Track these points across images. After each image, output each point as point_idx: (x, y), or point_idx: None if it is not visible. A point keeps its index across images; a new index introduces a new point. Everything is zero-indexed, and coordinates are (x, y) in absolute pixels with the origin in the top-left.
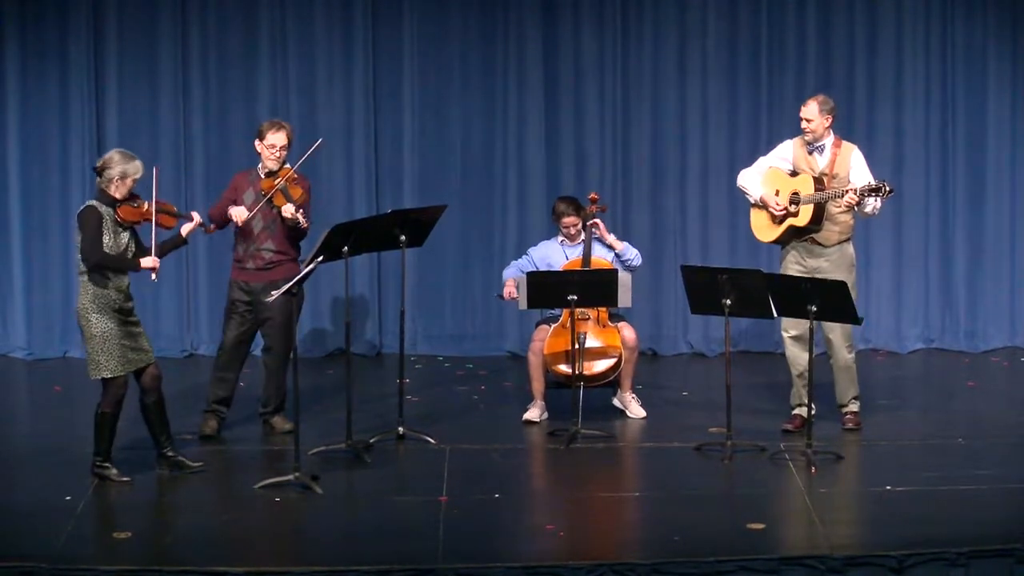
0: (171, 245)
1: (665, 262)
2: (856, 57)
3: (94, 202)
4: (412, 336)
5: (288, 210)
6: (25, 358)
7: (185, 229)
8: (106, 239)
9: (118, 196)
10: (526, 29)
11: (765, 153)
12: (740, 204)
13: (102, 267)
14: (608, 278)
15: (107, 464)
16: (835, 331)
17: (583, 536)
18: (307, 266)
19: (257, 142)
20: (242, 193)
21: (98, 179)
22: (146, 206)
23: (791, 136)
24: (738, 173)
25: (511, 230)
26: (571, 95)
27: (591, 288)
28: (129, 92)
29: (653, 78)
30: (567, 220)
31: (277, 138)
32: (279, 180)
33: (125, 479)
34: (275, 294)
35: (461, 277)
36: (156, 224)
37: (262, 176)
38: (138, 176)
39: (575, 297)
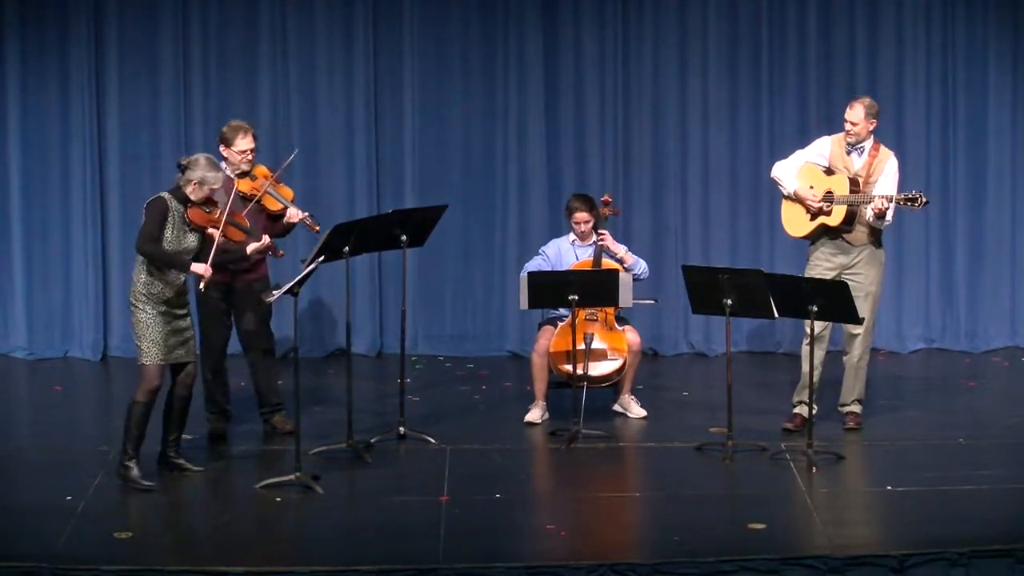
0: (230, 258)
1: (666, 262)
2: (857, 57)
3: (167, 194)
4: (413, 336)
5: (295, 215)
6: (26, 358)
7: (251, 248)
8: (168, 233)
9: (193, 198)
10: (526, 29)
11: (767, 153)
12: (741, 204)
13: (149, 257)
14: (608, 278)
15: (132, 464)
16: (859, 328)
17: (584, 536)
18: (308, 266)
19: (223, 148)
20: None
21: (179, 175)
22: (217, 214)
23: (791, 136)
24: (740, 171)
25: (512, 230)
26: (571, 95)
27: (591, 288)
28: (129, 92)
29: (653, 78)
30: (578, 216)
31: (246, 142)
32: (265, 182)
33: (148, 484)
34: (276, 294)
35: (462, 277)
36: (222, 235)
37: (232, 176)
38: (216, 187)
39: (576, 297)
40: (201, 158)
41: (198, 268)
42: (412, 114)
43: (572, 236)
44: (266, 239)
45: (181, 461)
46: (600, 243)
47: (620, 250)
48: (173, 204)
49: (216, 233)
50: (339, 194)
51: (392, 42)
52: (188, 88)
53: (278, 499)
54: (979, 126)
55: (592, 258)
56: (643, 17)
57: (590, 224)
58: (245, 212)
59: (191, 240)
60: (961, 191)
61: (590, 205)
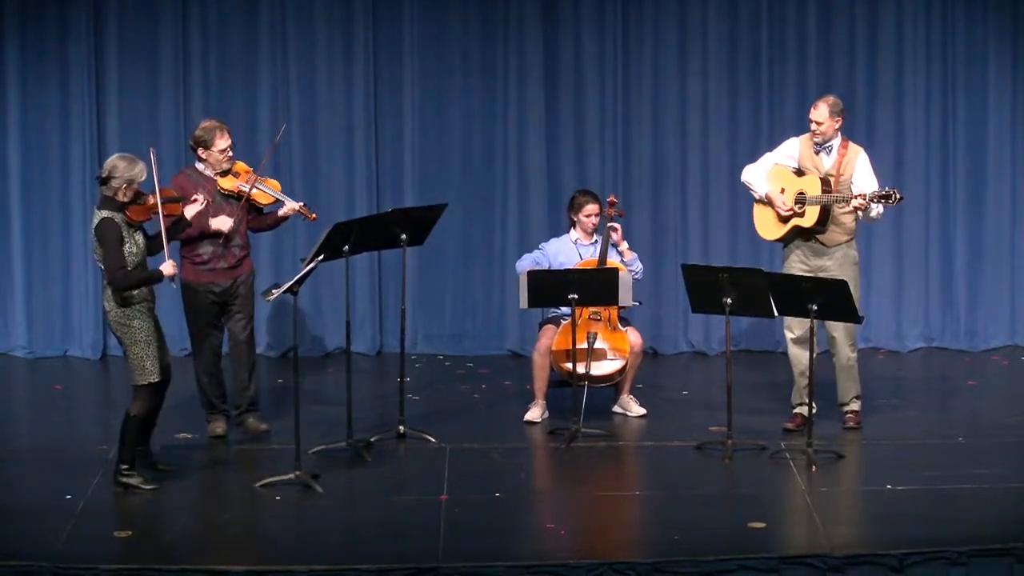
0: (178, 229)
1: (666, 261)
2: (857, 57)
3: (107, 213)
4: (412, 335)
5: (292, 206)
6: (26, 357)
7: (189, 212)
8: (128, 247)
9: (125, 200)
10: (526, 29)
11: (766, 152)
12: (741, 203)
13: (127, 289)
14: (609, 277)
15: (133, 472)
16: (838, 330)
17: (583, 535)
18: (308, 264)
19: (201, 151)
20: (189, 196)
21: (102, 188)
22: (151, 200)
23: (792, 136)
24: (740, 171)
25: (511, 229)
26: (571, 95)
27: (591, 287)
28: (129, 92)
29: (653, 78)
30: (588, 208)
31: (225, 141)
32: (251, 176)
33: (152, 487)
34: (276, 293)
35: (461, 276)
36: (165, 215)
37: (212, 175)
38: (143, 179)
39: (576, 296)
40: (116, 161)
41: (166, 269)
42: (412, 114)
43: (575, 235)
44: (198, 198)
45: (156, 461)
46: (610, 232)
47: (624, 244)
48: (117, 218)
49: (161, 217)
50: (339, 194)
51: (392, 42)
52: (188, 88)
53: (278, 498)
54: (979, 126)
55: (596, 257)
56: (643, 17)
57: (599, 215)
58: (232, 210)
59: (139, 239)
60: (961, 191)
61: (596, 198)
